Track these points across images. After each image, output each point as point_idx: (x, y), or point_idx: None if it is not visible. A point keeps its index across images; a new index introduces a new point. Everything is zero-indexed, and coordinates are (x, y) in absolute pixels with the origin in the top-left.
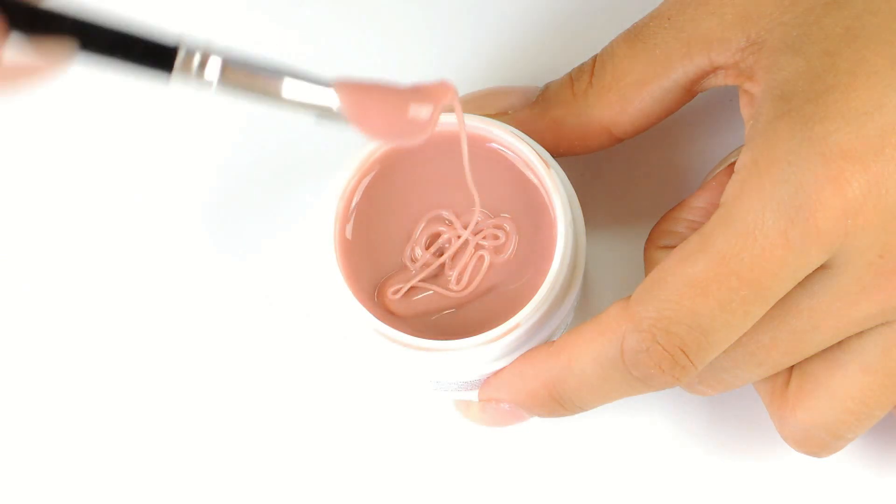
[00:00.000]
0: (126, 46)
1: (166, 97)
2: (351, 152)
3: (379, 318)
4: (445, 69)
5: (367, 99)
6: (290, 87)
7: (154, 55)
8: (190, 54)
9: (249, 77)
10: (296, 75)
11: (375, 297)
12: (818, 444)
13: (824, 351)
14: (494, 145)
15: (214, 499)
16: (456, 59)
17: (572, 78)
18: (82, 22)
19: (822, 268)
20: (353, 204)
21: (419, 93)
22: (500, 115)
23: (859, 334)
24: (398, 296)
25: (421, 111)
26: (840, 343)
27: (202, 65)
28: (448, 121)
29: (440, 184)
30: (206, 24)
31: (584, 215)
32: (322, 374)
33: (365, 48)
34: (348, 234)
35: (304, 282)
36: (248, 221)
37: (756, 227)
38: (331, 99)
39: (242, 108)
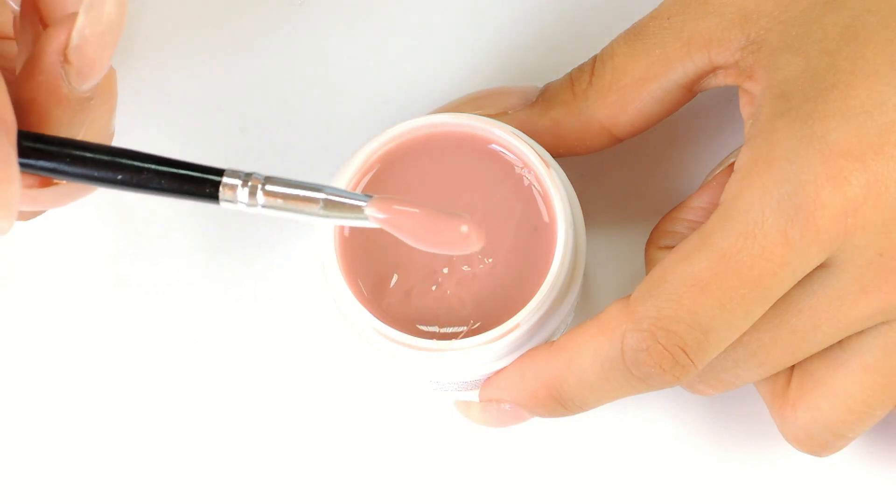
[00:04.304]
0: (170, 182)
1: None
2: (352, 151)
3: (379, 318)
4: (446, 69)
5: (403, 218)
6: (327, 205)
7: (198, 188)
8: (232, 187)
9: (290, 200)
10: (333, 194)
11: (375, 296)
12: (819, 443)
13: (825, 350)
14: (495, 146)
15: (214, 499)
16: (456, 59)
17: (572, 78)
18: (129, 164)
19: (822, 266)
20: None
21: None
22: (500, 115)
23: (860, 333)
24: (398, 296)
25: (452, 233)
26: (841, 342)
27: (248, 192)
28: (449, 121)
29: (440, 182)
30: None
31: (584, 215)
32: (322, 374)
33: (365, 49)
34: (347, 233)
35: (303, 280)
36: (248, 220)
37: (756, 225)
38: (367, 213)
39: (239, 108)
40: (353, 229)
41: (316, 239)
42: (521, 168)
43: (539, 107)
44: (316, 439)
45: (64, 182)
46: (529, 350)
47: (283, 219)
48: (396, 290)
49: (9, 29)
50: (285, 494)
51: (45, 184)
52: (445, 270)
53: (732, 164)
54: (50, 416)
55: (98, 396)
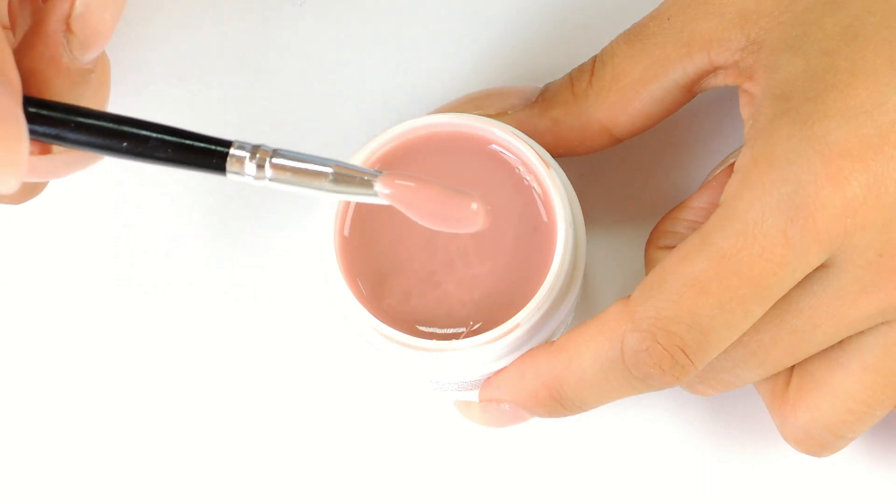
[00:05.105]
0: (177, 152)
1: (164, 97)
2: (352, 151)
3: (378, 318)
4: (446, 69)
5: (411, 193)
6: (337, 178)
7: (205, 159)
8: (240, 159)
9: (298, 174)
10: (342, 167)
11: (375, 296)
12: (819, 443)
13: (825, 350)
14: (495, 146)
15: (214, 498)
16: (456, 59)
17: (572, 78)
18: (135, 133)
19: (822, 267)
20: (353, 202)
21: (458, 194)
22: (500, 115)
23: (860, 333)
24: (398, 296)
25: (461, 209)
26: (841, 342)
27: (256, 165)
28: (449, 121)
29: None
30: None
31: (584, 215)
32: (322, 374)
33: (365, 49)
34: (347, 233)
35: (303, 280)
36: (248, 220)
37: (756, 225)
38: (376, 188)
39: (239, 108)
40: (352, 228)
41: (315, 239)
42: (521, 168)
43: (539, 107)
44: (316, 439)
45: (65, 150)
46: (529, 350)
47: (290, 193)
48: (396, 290)
49: (5, 19)
50: (285, 494)
51: (45, 151)
52: (446, 271)
53: (732, 164)
54: (50, 417)
55: (98, 396)
